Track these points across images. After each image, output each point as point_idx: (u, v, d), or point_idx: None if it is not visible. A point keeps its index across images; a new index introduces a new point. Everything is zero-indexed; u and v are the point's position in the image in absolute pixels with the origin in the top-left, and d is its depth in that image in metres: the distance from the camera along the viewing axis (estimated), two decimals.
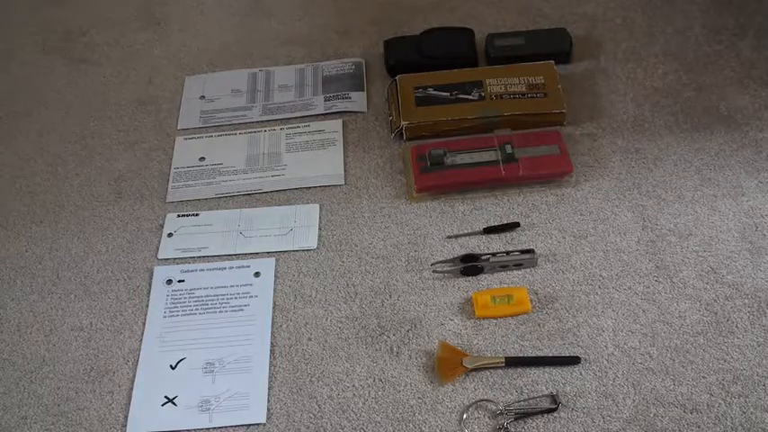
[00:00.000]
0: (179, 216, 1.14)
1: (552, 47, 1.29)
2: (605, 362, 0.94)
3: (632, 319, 0.97)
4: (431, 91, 1.23)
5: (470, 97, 1.22)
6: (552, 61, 1.25)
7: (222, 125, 1.27)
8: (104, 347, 1.00)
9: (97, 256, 1.10)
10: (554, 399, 0.92)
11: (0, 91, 1.36)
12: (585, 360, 0.94)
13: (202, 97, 1.32)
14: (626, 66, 1.26)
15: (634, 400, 0.91)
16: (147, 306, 1.04)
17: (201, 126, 1.27)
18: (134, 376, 0.97)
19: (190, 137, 1.25)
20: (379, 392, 0.94)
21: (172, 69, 1.36)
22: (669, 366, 0.93)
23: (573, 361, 0.94)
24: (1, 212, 1.17)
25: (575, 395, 0.92)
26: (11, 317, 1.04)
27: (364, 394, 0.94)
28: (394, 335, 0.99)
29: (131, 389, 0.96)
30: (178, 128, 1.27)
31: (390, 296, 1.02)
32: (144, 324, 1.02)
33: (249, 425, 0.92)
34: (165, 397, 0.95)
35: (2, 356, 1.00)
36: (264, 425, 0.92)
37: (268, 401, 0.94)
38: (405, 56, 1.31)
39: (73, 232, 1.13)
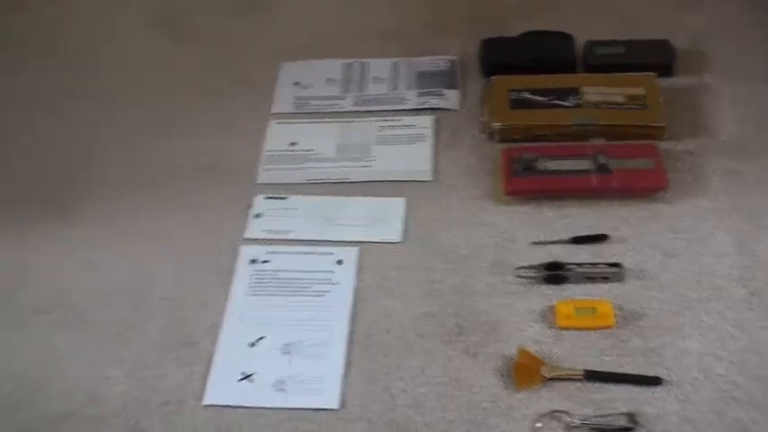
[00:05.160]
0: (267, 198, 1.15)
1: (654, 58, 1.26)
2: (688, 386, 0.92)
3: (720, 345, 0.94)
4: (526, 94, 1.22)
5: (566, 104, 1.20)
6: (654, 73, 1.22)
7: (315, 112, 1.28)
8: (188, 319, 1.02)
9: (187, 230, 1.12)
10: (632, 418, 0.89)
11: (104, 66, 1.40)
12: (668, 382, 0.92)
13: (297, 84, 1.33)
14: (731, 83, 1.22)
15: (716, 429, 0.88)
16: (231, 283, 1.05)
17: (295, 112, 1.29)
18: (214, 350, 0.99)
19: (282, 121, 1.27)
20: (454, 392, 0.93)
21: (269, 54, 1.38)
22: (755, 398, 0.90)
23: (654, 381, 0.92)
24: (107, 180, 1.20)
25: (654, 417, 0.89)
26: (103, 280, 1.07)
27: (438, 391, 0.93)
28: (472, 336, 0.98)
29: (210, 362, 0.97)
30: (271, 112, 1.29)
31: (471, 297, 1.02)
32: (227, 300, 1.03)
33: (322, 409, 0.93)
34: (242, 373, 0.96)
35: (92, 316, 1.03)
36: (336, 411, 0.93)
37: (342, 388, 0.94)
38: (501, 57, 1.30)
39: (166, 206, 1.16)
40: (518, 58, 1.28)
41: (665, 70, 1.25)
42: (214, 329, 1.01)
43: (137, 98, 1.33)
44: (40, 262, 1.10)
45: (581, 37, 1.30)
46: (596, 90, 1.21)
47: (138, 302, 1.04)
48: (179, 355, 0.98)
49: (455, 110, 1.26)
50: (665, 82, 1.23)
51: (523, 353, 0.95)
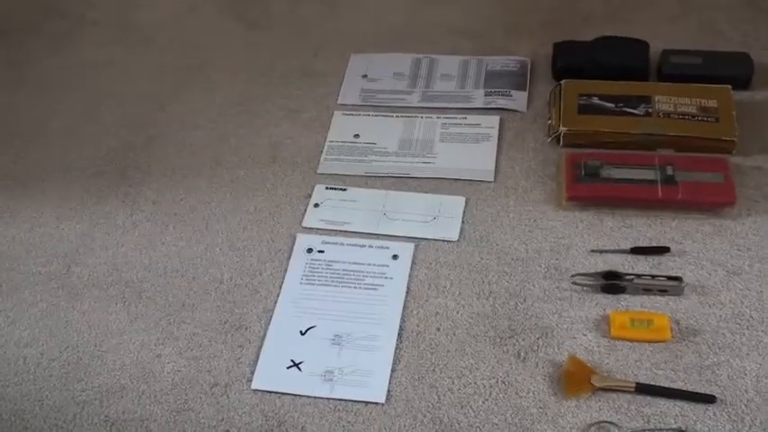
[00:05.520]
0: (327, 188, 1.16)
1: (731, 71, 1.23)
2: (743, 406, 0.89)
3: None
4: (595, 100, 1.20)
5: (636, 112, 1.18)
6: (729, 86, 1.19)
7: (380, 106, 1.29)
8: (241, 303, 1.04)
9: (245, 215, 1.14)
10: None
11: (176, 45, 1.44)
12: (722, 401, 0.90)
13: (365, 76, 1.34)
14: None
15: None
16: (286, 270, 1.06)
17: (360, 104, 1.29)
18: (264, 335, 1.00)
19: (348, 113, 1.28)
20: (501, 394, 0.92)
21: (339, 45, 1.39)
22: None
23: (708, 399, 0.90)
24: (168, 161, 1.23)
25: None
26: (159, 259, 1.10)
27: (485, 393, 0.93)
28: (523, 340, 0.97)
29: (260, 347, 0.99)
30: (338, 102, 1.30)
31: (525, 300, 1.01)
32: (280, 287, 1.04)
33: (368, 402, 0.93)
34: (292, 361, 0.97)
35: (147, 294, 1.06)
36: (382, 405, 0.93)
37: (389, 383, 0.94)
38: (573, 60, 1.28)
39: (226, 189, 1.18)
40: (590, 63, 1.26)
41: (743, 83, 1.22)
42: (266, 315, 1.02)
43: (204, 81, 1.35)
44: (99, 238, 1.13)
45: (657, 46, 1.27)
46: (668, 100, 1.18)
47: (192, 283, 1.06)
48: (230, 338, 1.00)
49: (522, 111, 1.25)
50: (741, 95, 1.19)
51: (574, 360, 0.94)
